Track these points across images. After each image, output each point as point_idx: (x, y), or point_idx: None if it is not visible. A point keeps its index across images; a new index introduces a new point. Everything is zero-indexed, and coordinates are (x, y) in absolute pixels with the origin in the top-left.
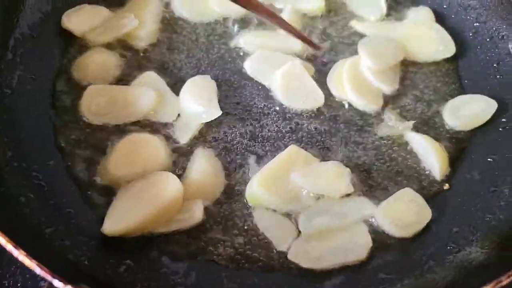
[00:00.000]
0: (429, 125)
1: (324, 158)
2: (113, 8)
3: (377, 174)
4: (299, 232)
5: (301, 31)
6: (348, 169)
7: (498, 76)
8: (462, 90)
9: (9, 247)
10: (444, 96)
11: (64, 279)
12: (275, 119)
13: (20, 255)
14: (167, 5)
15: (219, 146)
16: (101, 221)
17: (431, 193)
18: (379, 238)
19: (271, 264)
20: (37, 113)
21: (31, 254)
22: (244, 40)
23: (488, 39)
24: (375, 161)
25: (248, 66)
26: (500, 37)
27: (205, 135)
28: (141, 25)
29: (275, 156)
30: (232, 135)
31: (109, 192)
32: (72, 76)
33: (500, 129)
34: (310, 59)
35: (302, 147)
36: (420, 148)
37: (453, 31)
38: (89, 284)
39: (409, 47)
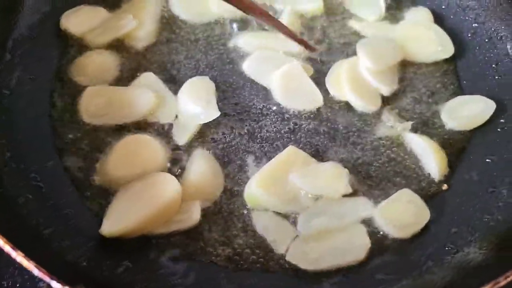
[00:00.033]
0: (427, 126)
1: (322, 159)
2: (112, 9)
3: (376, 175)
4: (298, 233)
5: (295, 33)
6: (346, 170)
7: (496, 77)
8: (461, 91)
9: (7, 248)
10: (443, 96)
11: (62, 280)
12: (273, 119)
13: (18, 256)
14: (165, 6)
15: (218, 147)
16: (99, 222)
17: (430, 194)
18: (378, 239)
19: (269, 265)
20: (35, 114)
21: (29, 255)
22: (243, 41)
23: (486, 40)
24: (373, 161)
25: (247, 67)
26: (498, 37)
27: (204, 136)
28: (140, 26)
29: (273, 157)
30: (231, 136)
31: (108, 193)
32: (71, 77)
33: (499, 129)
34: (308, 60)
35: (301, 148)
36: (418, 149)
37: (451, 32)
38: (88, 285)
39: (408, 47)
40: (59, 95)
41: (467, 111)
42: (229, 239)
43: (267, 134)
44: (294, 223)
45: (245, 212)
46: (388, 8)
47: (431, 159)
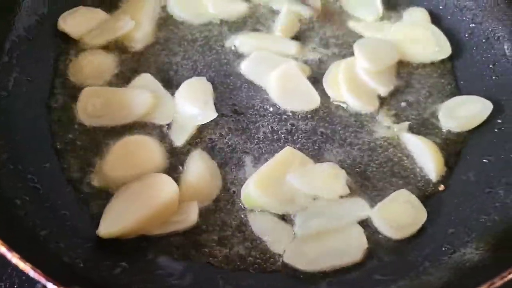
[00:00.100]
0: (424, 126)
1: (319, 160)
2: (109, 10)
3: (373, 175)
4: (295, 233)
5: None
6: (343, 171)
7: (493, 77)
8: (458, 91)
9: (3, 249)
10: (440, 97)
11: (58, 282)
12: (271, 120)
13: (14, 258)
14: (163, 7)
15: (215, 147)
16: (96, 223)
17: (427, 194)
18: (375, 240)
19: (267, 265)
20: (33, 115)
21: (25, 257)
22: (240, 42)
23: (484, 40)
24: (370, 162)
25: (244, 68)
26: (496, 38)
27: (201, 136)
28: (137, 27)
29: (271, 157)
30: (228, 136)
31: (105, 194)
32: (68, 78)
33: (496, 130)
34: (305, 60)
35: (298, 149)
36: (415, 149)
37: (449, 32)
38: (85, 287)
39: (405, 48)
40: (56, 96)
41: (464, 112)
42: (226, 240)
43: (264, 135)
44: (292, 224)
45: (243, 213)
46: (386, 8)
47: (428, 160)
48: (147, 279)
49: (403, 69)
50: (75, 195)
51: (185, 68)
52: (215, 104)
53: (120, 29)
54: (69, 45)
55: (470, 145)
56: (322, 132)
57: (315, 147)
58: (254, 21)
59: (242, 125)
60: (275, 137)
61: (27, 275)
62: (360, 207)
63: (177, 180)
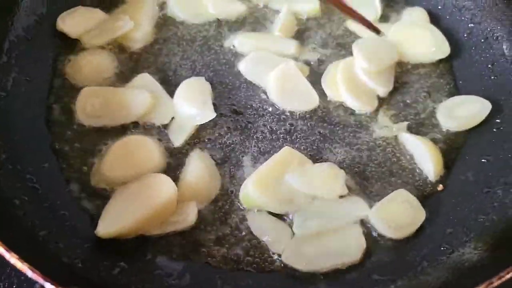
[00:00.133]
0: (423, 126)
1: (318, 160)
2: (108, 10)
3: (372, 175)
4: (293, 233)
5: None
6: (342, 171)
7: (492, 77)
8: (457, 91)
9: (1, 250)
10: (439, 97)
11: (56, 282)
12: (269, 120)
13: (12, 258)
14: (162, 7)
15: (214, 147)
16: (95, 223)
17: (425, 194)
18: (373, 239)
19: (265, 265)
20: (32, 115)
21: (23, 257)
22: (239, 42)
23: (482, 40)
24: (369, 162)
25: (243, 68)
26: (494, 38)
27: (200, 136)
28: (136, 27)
29: (269, 157)
30: (227, 136)
31: (104, 194)
32: (67, 78)
33: (494, 130)
34: (304, 60)
35: (297, 148)
36: (414, 149)
37: (447, 32)
38: (83, 287)
39: (404, 48)
40: (55, 97)
41: (463, 112)
42: (225, 240)
43: (263, 135)
44: (290, 223)
45: (241, 212)
46: (384, 8)
47: (427, 160)
48: (146, 279)
49: (402, 69)
50: (74, 195)
51: (184, 68)
52: (214, 104)
53: (119, 29)
54: (68, 45)
55: (469, 145)
56: (320, 132)
57: (314, 147)
58: (253, 21)
59: (241, 125)
60: (273, 137)
61: (25, 275)
62: (359, 207)
63: (175, 180)
